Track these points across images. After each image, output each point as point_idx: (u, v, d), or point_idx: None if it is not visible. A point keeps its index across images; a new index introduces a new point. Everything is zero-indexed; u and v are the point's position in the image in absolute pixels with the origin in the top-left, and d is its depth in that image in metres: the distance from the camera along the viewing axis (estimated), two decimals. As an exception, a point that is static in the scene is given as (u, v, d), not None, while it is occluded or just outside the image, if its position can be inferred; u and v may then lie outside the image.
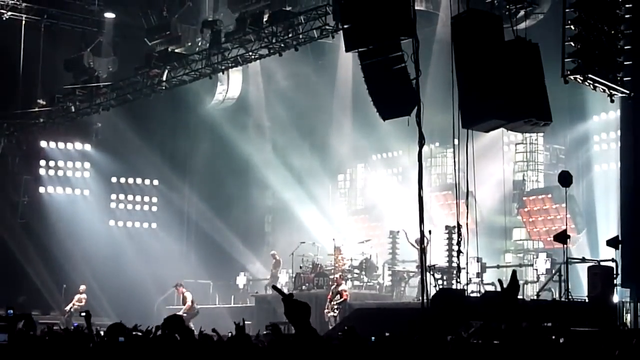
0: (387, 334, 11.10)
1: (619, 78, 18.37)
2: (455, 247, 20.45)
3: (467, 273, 22.56)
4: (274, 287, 6.37)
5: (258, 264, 32.46)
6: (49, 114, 31.66)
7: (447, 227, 24.88)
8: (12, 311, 11.90)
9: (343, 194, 34.99)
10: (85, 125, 33.04)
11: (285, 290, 6.26)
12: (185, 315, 24.26)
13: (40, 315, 27.14)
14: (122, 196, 34.96)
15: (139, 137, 31.67)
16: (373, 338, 11.34)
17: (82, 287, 28.90)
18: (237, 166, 33.18)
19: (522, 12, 19.32)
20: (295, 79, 31.32)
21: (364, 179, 35.29)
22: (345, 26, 18.30)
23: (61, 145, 33.67)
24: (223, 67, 27.73)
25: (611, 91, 18.50)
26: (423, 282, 16.38)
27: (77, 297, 28.45)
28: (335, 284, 24.56)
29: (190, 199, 34.18)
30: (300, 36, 24.95)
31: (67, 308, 28.13)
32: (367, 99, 17.95)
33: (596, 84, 18.24)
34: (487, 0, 18.83)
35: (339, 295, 24.01)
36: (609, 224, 24.44)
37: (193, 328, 24.22)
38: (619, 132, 23.68)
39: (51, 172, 33.42)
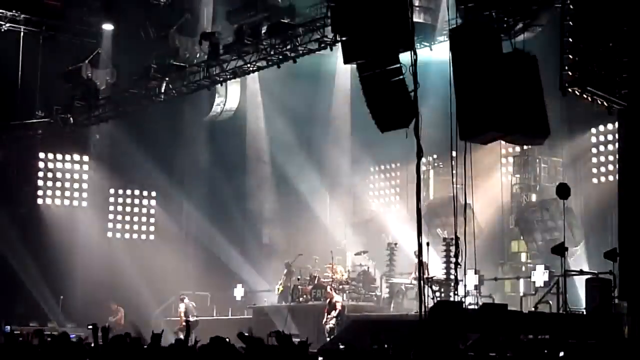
0: (374, 347, 11.08)
1: (617, 90, 18.37)
2: (453, 260, 20.44)
3: (464, 285, 22.54)
4: (239, 335, 6.29)
5: (256, 275, 32.39)
6: (48, 125, 31.68)
7: (444, 239, 24.88)
8: (9, 327, 11.75)
9: (340, 205, 34.95)
10: (83, 137, 33.04)
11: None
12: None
13: (37, 327, 27.05)
14: (120, 208, 35.00)
15: (137, 148, 31.65)
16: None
17: (114, 307, 29.30)
18: (235, 178, 33.16)
19: (520, 24, 19.33)
20: (293, 90, 31.33)
21: (362, 190, 35.25)
22: (344, 38, 18.30)
23: (59, 156, 33.72)
24: (221, 79, 27.79)
25: (609, 103, 18.51)
26: (421, 295, 16.34)
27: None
28: (328, 298, 24.55)
29: (188, 210, 34.15)
30: (299, 48, 24.99)
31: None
32: (365, 111, 17.95)
33: (594, 96, 18.24)
34: (485, 12, 18.83)
35: (334, 310, 24.00)
36: (607, 236, 24.43)
37: (193, 339, 24.32)
38: (617, 145, 23.68)
39: (49, 183, 33.47)
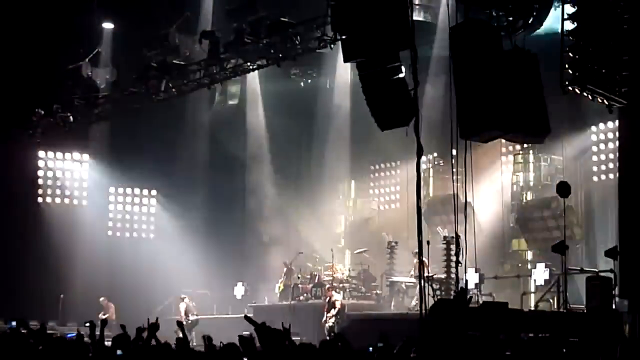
0: (380, 345, 11.07)
1: (617, 88, 18.35)
2: (453, 258, 20.44)
3: (465, 284, 22.54)
4: (246, 318, 6.40)
5: (256, 273, 32.39)
6: (47, 124, 31.61)
7: (444, 237, 24.86)
8: (14, 323, 11.76)
9: (341, 203, 34.95)
10: (83, 135, 33.00)
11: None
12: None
13: (36, 326, 26.99)
14: (120, 206, 35.00)
15: (137, 146, 31.67)
16: (371, 348, 11.32)
17: (104, 302, 29.25)
18: (235, 176, 33.16)
19: (520, 22, 19.30)
20: (293, 89, 31.35)
21: (362, 189, 35.24)
22: (344, 37, 18.29)
23: (59, 155, 33.72)
24: (221, 78, 27.75)
25: (610, 101, 18.48)
26: (421, 293, 16.33)
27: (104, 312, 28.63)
28: (328, 296, 24.54)
29: (188, 208, 34.15)
30: (299, 46, 24.95)
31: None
32: (365, 109, 17.95)
33: (595, 95, 18.21)
34: (485, 10, 18.80)
35: (334, 309, 23.98)
36: (608, 234, 24.41)
37: (194, 337, 24.36)
38: (617, 143, 23.66)
39: (49, 182, 33.47)
